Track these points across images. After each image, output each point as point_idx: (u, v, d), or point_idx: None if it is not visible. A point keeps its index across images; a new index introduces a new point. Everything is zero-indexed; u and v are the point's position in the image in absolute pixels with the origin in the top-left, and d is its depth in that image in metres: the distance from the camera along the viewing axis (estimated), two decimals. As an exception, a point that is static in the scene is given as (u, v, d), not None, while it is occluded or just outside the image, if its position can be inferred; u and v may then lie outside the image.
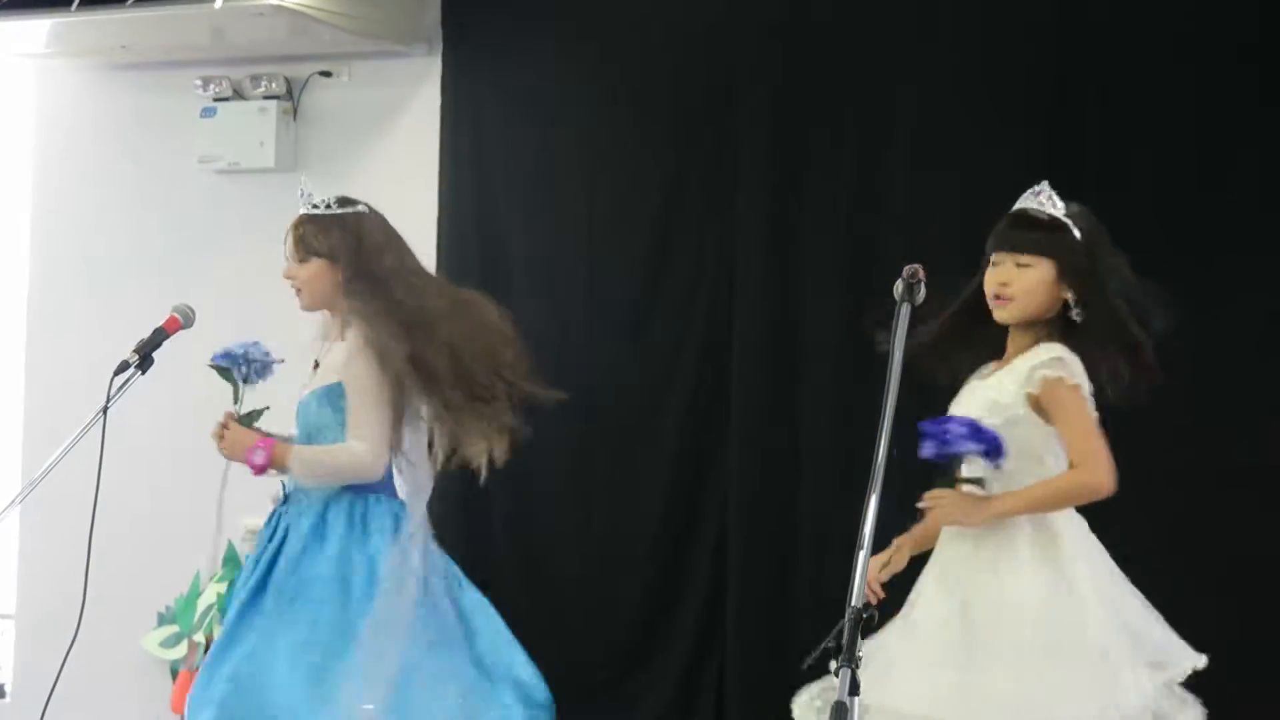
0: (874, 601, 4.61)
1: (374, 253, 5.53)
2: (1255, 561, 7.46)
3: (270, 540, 5.47)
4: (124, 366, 5.14)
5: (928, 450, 4.69)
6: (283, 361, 5.55)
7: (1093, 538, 5.01)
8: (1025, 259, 4.74)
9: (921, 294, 4.50)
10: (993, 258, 4.81)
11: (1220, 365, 7.54)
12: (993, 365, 4.93)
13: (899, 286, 4.44)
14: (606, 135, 8.96)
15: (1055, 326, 4.80)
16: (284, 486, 5.48)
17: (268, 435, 5.41)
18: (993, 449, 4.64)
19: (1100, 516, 5.20)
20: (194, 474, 8.97)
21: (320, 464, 5.42)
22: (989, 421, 4.68)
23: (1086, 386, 4.76)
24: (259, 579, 5.44)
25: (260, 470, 5.36)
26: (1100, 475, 4.73)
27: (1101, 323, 4.75)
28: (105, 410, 4.99)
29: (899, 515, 6.14)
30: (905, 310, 4.42)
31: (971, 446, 4.63)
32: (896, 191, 8.06)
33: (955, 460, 4.68)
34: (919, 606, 4.91)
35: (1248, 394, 7.62)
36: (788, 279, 8.50)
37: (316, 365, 5.45)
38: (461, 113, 9.25)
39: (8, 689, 10.21)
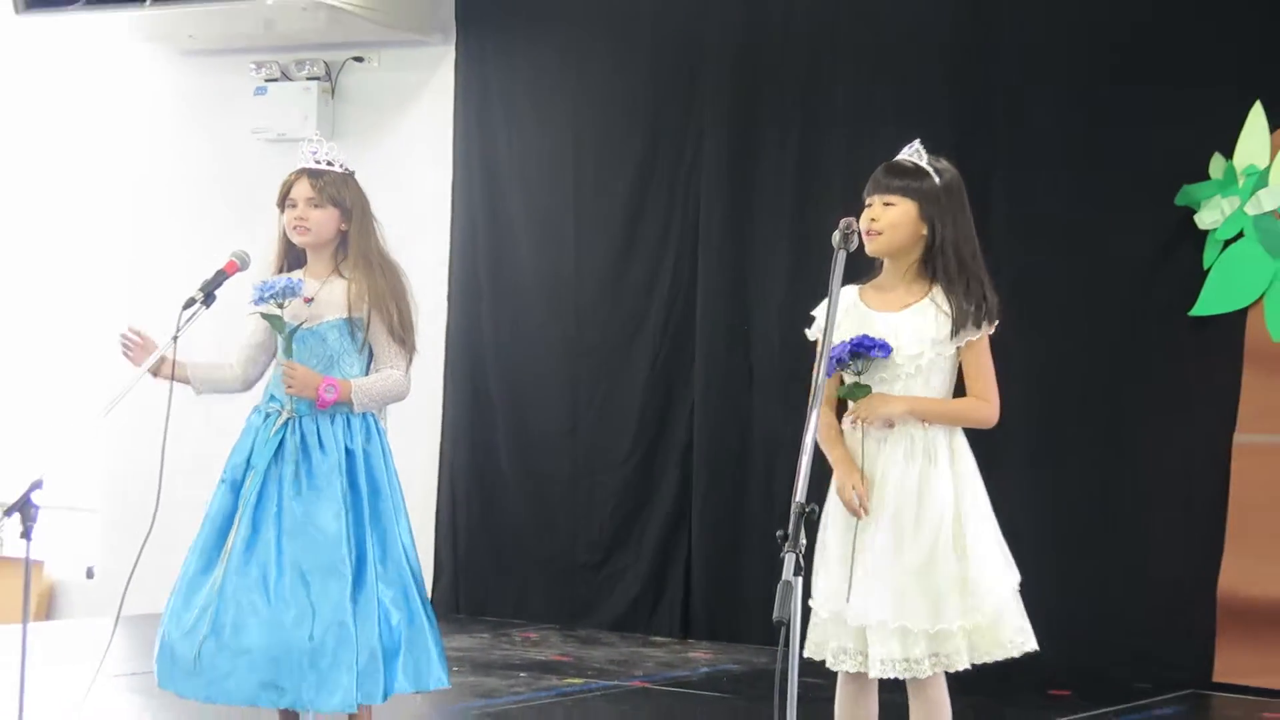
0: (866, 514, 4.56)
1: (370, 215, 5.47)
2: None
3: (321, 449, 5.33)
4: (190, 302, 5.06)
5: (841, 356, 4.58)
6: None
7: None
8: (890, 198, 4.65)
9: (855, 243, 4.48)
10: (866, 201, 4.72)
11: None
12: (867, 290, 4.75)
13: (836, 236, 4.42)
14: (592, 111, 8.95)
15: (926, 264, 4.70)
16: (281, 401, 5.34)
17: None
18: (872, 351, 4.57)
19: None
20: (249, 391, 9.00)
21: (380, 393, 5.34)
22: (929, 357, 4.61)
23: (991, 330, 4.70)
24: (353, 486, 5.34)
25: (328, 405, 5.27)
26: (996, 410, 4.68)
27: (957, 251, 4.66)
28: (175, 339, 4.94)
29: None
30: (841, 256, 4.40)
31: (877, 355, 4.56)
32: (835, 156, 8.06)
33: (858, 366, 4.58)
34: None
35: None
36: (744, 231, 8.51)
37: (307, 299, 5.31)
38: (471, 91, 9.23)
39: (95, 571, 10.22)
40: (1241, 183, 7.45)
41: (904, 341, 4.55)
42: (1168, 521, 7.59)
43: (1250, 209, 7.44)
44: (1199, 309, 7.52)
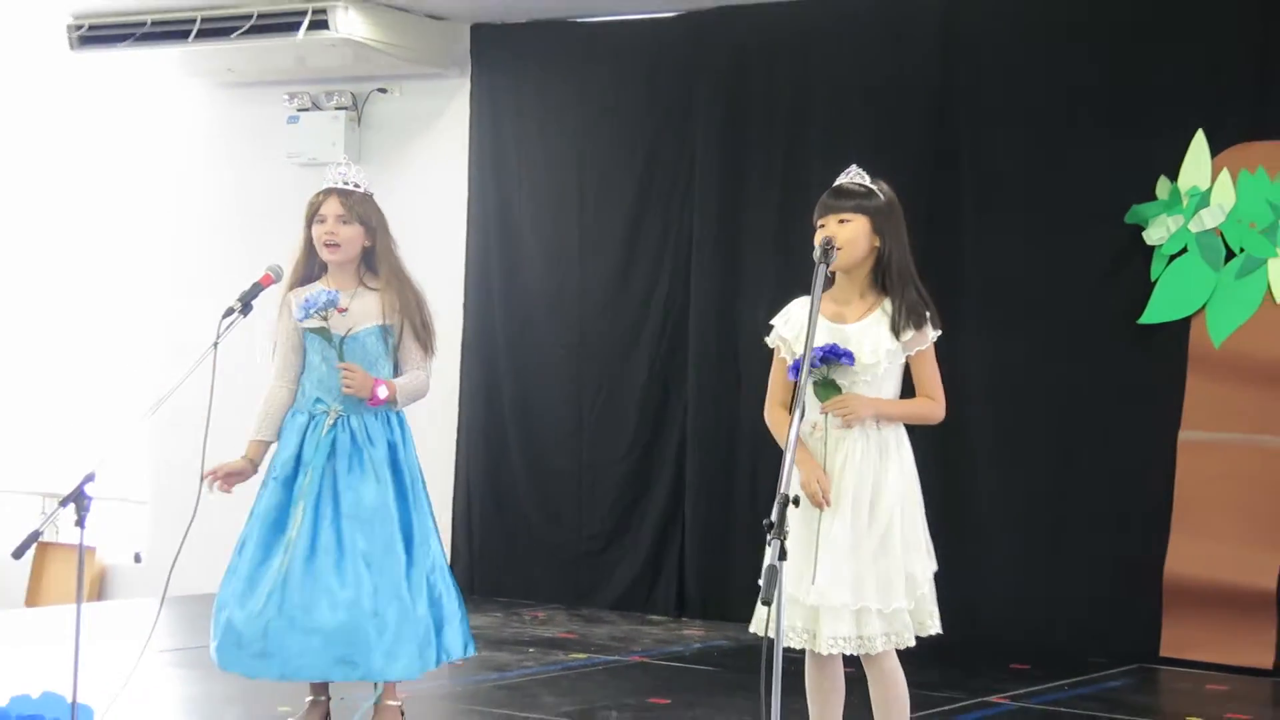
0: (828, 505, 4.55)
1: (389, 231, 5.48)
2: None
3: (372, 443, 5.35)
4: (230, 311, 5.05)
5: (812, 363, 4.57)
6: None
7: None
8: (844, 216, 4.62)
9: (834, 258, 4.48)
10: (819, 223, 4.69)
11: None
12: (824, 302, 4.71)
13: (817, 252, 4.42)
14: (594, 137, 8.94)
15: (875, 277, 4.68)
16: (327, 403, 5.35)
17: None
18: (841, 358, 4.55)
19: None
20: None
21: (413, 391, 5.38)
22: (885, 365, 4.60)
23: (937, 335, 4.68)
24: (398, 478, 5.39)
25: (381, 403, 5.30)
26: (943, 409, 4.67)
27: (899, 263, 4.64)
28: (215, 345, 4.92)
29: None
30: (822, 269, 4.40)
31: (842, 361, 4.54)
32: (816, 180, 8.03)
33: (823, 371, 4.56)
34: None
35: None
36: (732, 249, 8.52)
37: (340, 310, 5.32)
38: (484, 120, 9.23)
39: (143, 556, 10.22)
40: (1185, 203, 7.46)
41: (863, 352, 4.54)
42: (1119, 510, 7.60)
43: (1193, 227, 7.45)
44: (1147, 317, 7.54)
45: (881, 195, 4.63)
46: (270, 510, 5.26)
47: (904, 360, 4.59)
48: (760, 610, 4.48)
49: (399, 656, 5.16)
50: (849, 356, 4.49)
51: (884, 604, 4.47)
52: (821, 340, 4.51)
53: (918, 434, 4.76)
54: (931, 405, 4.65)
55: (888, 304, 4.59)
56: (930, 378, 4.63)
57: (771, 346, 4.69)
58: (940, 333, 4.61)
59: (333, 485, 5.25)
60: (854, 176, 4.69)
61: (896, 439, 4.61)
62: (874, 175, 4.71)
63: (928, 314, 4.58)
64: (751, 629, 4.49)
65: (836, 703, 4.65)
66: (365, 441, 5.29)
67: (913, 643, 4.53)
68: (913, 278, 4.62)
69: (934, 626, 4.59)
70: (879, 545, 4.50)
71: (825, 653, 4.48)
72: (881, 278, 4.61)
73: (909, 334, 4.55)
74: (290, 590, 5.13)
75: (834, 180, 4.71)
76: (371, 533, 5.22)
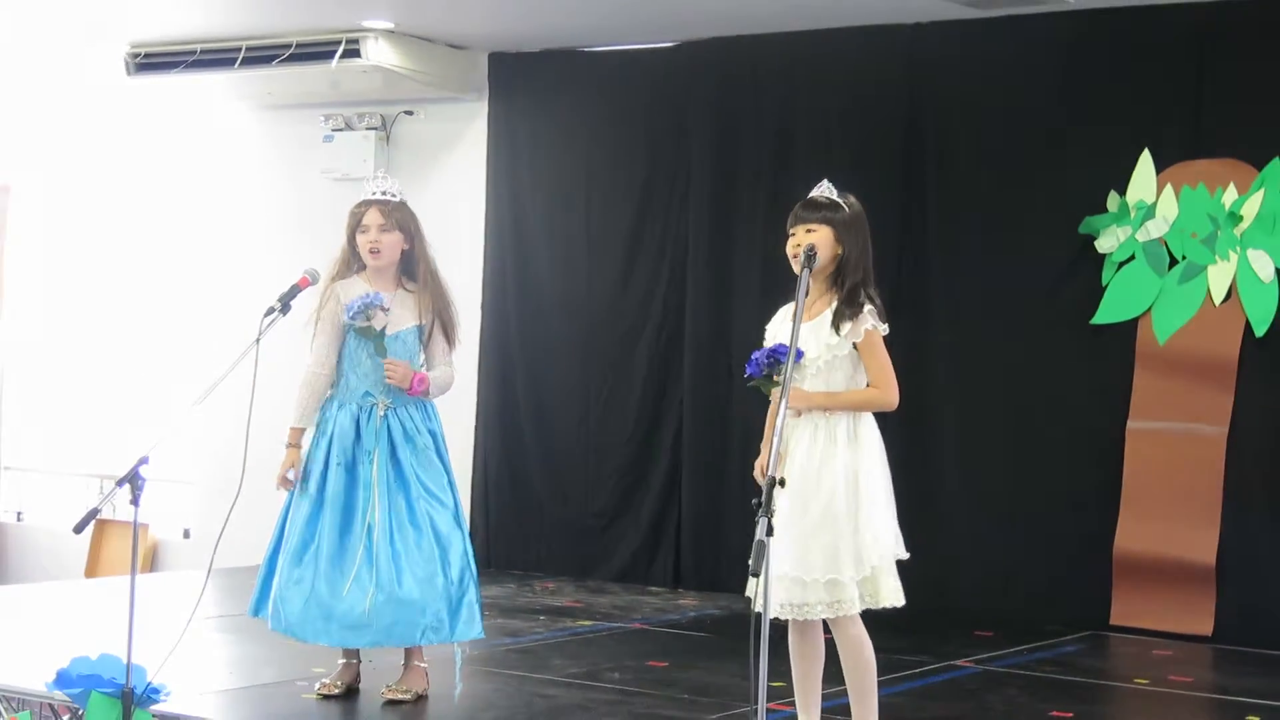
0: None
1: (424, 236, 5.50)
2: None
3: (406, 434, 5.37)
4: (270, 310, 5.05)
5: (752, 369, 4.57)
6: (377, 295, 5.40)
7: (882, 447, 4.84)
8: (811, 226, 4.61)
9: (816, 263, 4.48)
10: (790, 231, 4.68)
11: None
12: (790, 307, 4.71)
13: (802, 258, 4.43)
14: (599, 154, 8.94)
15: (835, 280, 4.66)
16: (374, 395, 5.36)
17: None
18: (782, 357, 4.51)
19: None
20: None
21: (444, 383, 5.42)
22: (826, 358, 4.58)
23: (884, 329, 4.65)
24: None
25: (418, 394, 5.33)
26: (893, 395, 4.61)
27: (852, 267, 4.61)
28: (257, 341, 4.92)
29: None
30: (805, 274, 4.41)
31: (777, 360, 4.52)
32: (795, 199, 8.02)
33: (771, 369, 4.54)
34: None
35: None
36: (724, 255, 8.50)
37: (384, 309, 5.33)
38: (501, 139, 9.22)
39: (191, 532, 10.21)
40: (1133, 215, 7.46)
41: (808, 347, 4.53)
42: (1074, 492, 7.60)
43: (1140, 236, 7.45)
44: (1099, 318, 7.53)
45: (846, 208, 4.63)
46: (339, 494, 5.30)
47: (849, 352, 4.57)
48: (753, 580, 4.48)
49: (473, 619, 5.28)
50: (798, 353, 4.49)
51: (822, 574, 4.45)
52: (784, 339, 4.51)
53: (892, 426, 4.76)
54: (876, 393, 4.61)
55: (838, 303, 4.59)
56: (876, 368, 4.60)
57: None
58: (886, 326, 4.59)
59: (398, 469, 5.33)
60: (823, 190, 4.70)
61: (849, 426, 4.58)
62: (850, 190, 4.71)
63: (866, 308, 4.56)
64: (747, 593, 4.48)
65: (817, 665, 4.65)
66: (414, 430, 5.36)
67: (855, 611, 4.49)
68: (863, 278, 4.60)
69: (890, 600, 4.53)
70: (820, 520, 4.47)
71: (771, 617, 4.47)
72: (838, 280, 4.62)
73: (847, 326, 4.55)
74: (382, 568, 5.20)
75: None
76: (437, 510, 5.31)
